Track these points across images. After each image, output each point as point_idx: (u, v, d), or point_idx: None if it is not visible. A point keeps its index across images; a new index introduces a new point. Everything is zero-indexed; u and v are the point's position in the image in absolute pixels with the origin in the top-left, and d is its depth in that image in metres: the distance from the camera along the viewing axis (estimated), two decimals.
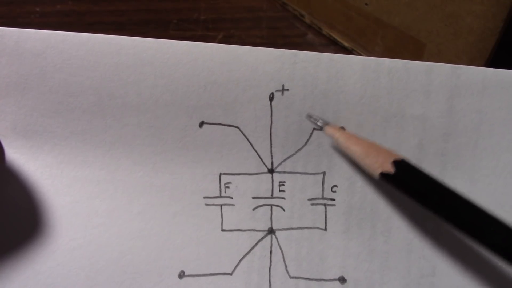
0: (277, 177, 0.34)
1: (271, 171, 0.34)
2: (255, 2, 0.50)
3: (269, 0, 0.50)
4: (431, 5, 0.38)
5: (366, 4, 0.43)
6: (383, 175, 0.31)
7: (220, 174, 0.34)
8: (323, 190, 0.34)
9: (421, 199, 0.30)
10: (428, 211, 0.30)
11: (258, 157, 0.34)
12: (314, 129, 0.34)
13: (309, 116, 0.34)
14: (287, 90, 0.33)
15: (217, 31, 0.48)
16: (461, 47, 0.38)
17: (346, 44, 0.48)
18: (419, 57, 0.42)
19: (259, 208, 0.34)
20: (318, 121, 0.34)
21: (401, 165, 0.30)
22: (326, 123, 0.33)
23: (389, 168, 0.30)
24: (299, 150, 0.34)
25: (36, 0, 0.47)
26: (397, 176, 0.30)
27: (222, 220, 0.34)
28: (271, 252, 0.34)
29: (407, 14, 0.40)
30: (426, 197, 0.30)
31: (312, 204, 0.34)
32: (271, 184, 0.34)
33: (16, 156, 0.33)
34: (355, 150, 0.32)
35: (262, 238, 0.34)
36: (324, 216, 0.34)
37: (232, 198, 0.34)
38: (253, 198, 0.34)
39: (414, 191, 0.30)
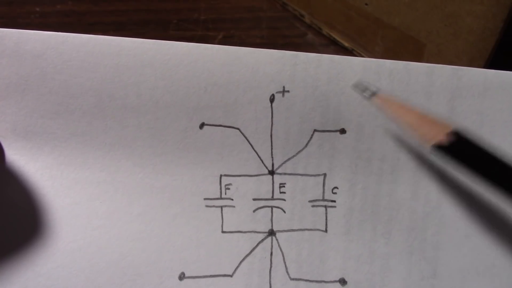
0: (278, 179, 0.34)
1: (271, 172, 0.34)
2: (255, 2, 0.50)
3: (269, 0, 0.50)
4: (431, 5, 0.38)
5: (366, 4, 0.43)
6: (437, 147, 0.29)
7: (221, 175, 0.34)
8: (323, 192, 0.34)
9: (477, 171, 0.28)
10: (482, 182, 0.28)
11: (258, 159, 0.34)
12: (314, 130, 0.34)
13: (355, 86, 0.33)
14: (288, 91, 0.33)
15: (217, 31, 0.48)
16: (461, 47, 0.38)
17: (346, 44, 0.48)
18: (419, 57, 0.42)
19: (259, 210, 0.34)
20: (365, 91, 0.33)
21: (457, 136, 0.29)
22: (374, 93, 0.32)
23: (443, 139, 0.29)
24: (299, 151, 0.34)
25: (36, 0, 0.47)
26: (452, 147, 0.29)
27: (222, 222, 0.34)
28: (271, 254, 0.34)
29: (407, 14, 0.40)
30: (482, 169, 0.28)
31: (313, 206, 0.34)
32: (271, 185, 0.34)
33: (16, 158, 0.33)
34: (407, 120, 0.31)
35: (262, 240, 0.34)
36: (324, 217, 0.34)
37: (232, 199, 0.34)
38: (254, 199, 0.34)
39: (469, 163, 0.29)
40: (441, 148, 0.29)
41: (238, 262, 0.34)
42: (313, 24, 0.49)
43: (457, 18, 0.37)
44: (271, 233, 0.34)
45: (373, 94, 0.33)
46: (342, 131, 0.34)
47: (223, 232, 0.34)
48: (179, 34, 0.47)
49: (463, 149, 0.29)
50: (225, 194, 0.34)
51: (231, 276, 0.34)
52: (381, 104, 0.32)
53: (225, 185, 0.34)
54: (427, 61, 0.41)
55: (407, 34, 0.41)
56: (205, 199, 0.34)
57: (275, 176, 0.34)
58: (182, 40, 0.43)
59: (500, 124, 0.34)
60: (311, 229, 0.34)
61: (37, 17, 0.46)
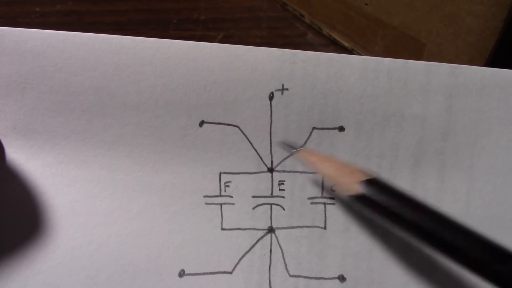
0: (277, 176, 0.34)
1: (270, 170, 0.34)
2: (255, 2, 0.50)
3: (269, 0, 0.50)
4: (431, 5, 0.38)
5: (366, 4, 0.43)
6: (354, 197, 0.31)
7: (220, 173, 0.34)
8: (322, 189, 0.34)
9: (390, 219, 0.30)
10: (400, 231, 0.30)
11: (258, 156, 0.34)
12: (313, 128, 0.34)
13: (282, 143, 0.34)
14: (287, 89, 0.34)
15: (217, 31, 0.48)
16: (461, 47, 0.38)
17: (346, 44, 0.48)
18: (419, 57, 0.42)
19: (259, 207, 0.34)
20: (291, 149, 0.34)
21: (369, 185, 0.30)
22: (298, 149, 0.34)
23: (357, 190, 0.30)
24: (298, 149, 0.34)
25: (36, 0, 0.47)
26: (366, 197, 0.30)
27: (222, 219, 0.34)
28: (271, 251, 0.34)
29: (407, 14, 0.40)
30: (394, 218, 0.30)
31: (312, 203, 0.34)
32: (270, 183, 0.34)
33: (16, 156, 0.33)
34: (327, 172, 0.32)
35: (262, 237, 0.34)
36: (323, 215, 0.34)
37: (232, 197, 0.34)
38: (253, 197, 0.34)
39: (382, 212, 0.30)
40: (357, 198, 0.31)
41: (238, 259, 0.34)
42: (313, 24, 0.49)
43: (457, 18, 0.37)
44: (271, 230, 0.34)
45: (298, 150, 0.34)
46: (341, 128, 0.34)
47: (222, 229, 0.34)
48: (179, 34, 0.47)
49: (374, 198, 0.30)
50: (225, 191, 0.34)
51: (230, 273, 0.34)
52: (304, 158, 0.33)
53: (225, 182, 0.34)
54: (427, 61, 0.41)
55: (407, 34, 0.41)
56: (204, 196, 0.34)
57: (274, 173, 0.34)
58: (182, 40, 0.43)
59: (497, 121, 0.34)
60: (310, 226, 0.34)
61: (37, 17, 0.46)
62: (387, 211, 0.30)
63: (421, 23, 0.40)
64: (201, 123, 0.34)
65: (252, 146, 0.34)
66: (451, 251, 0.28)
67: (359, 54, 0.47)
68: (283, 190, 0.34)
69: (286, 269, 0.34)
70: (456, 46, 0.38)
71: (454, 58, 0.39)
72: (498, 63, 0.37)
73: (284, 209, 0.34)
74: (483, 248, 0.27)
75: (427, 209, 0.29)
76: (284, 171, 0.34)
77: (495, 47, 0.37)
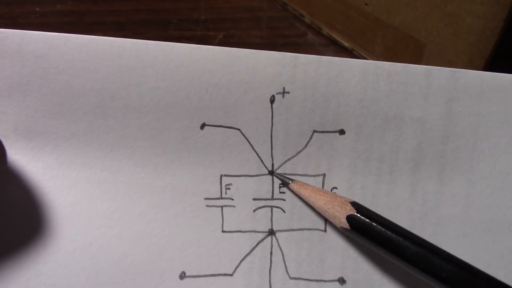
0: (278, 179, 0.34)
1: (271, 172, 0.34)
2: (255, 2, 0.50)
3: (269, 0, 0.51)
4: (431, 5, 0.38)
5: (366, 4, 0.43)
6: (344, 229, 0.32)
7: (221, 175, 0.34)
8: None
9: (380, 249, 0.31)
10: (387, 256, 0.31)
11: (258, 159, 0.34)
12: (314, 131, 0.34)
13: (278, 175, 0.35)
14: (288, 92, 0.34)
15: (217, 31, 0.48)
16: (461, 47, 0.38)
17: (346, 44, 0.48)
18: (419, 57, 0.42)
19: (259, 210, 0.35)
20: (283, 180, 0.35)
21: (354, 219, 0.32)
22: (290, 181, 0.34)
23: (345, 224, 0.32)
24: (299, 152, 0.34)
25: (36, 0, 0.47)
26: (353, 229, 0.32)
27: (222, 221, 0.34)
28: (271, 253, 0.35)
29: (407, 14, 0.40)
30: (382, 247, 0.31)
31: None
32: (271, 185, 0.34)
33: (17, 157, 0.34)
34: (317, 205, 0.33)
35: (262, 239, 0.35)
36: (324, 217, 0.34)
37: (232, 199, 0.34)
38: (254, 199, 0.35)
39: (371, 242, 0.32)
40: (348, 229, 0.32)
41: (238, 262, 0.34)
42: (313, 24, 0.49)
43: (457, 18, 0.37)
44: (271, 232, 0.35)
45: (290, 182, 0.34)
46: (341, 131, 0.34)
47: (223, 231, 0.34)
48: (179, 34, 0.47)
49: (362, 229, 0.32)
50: (226, 194, 0.34)
51: (231, 275, 0.34)
52: (297, 190, 0.34)
53: (226, 185, 0.34)
54: (427, 61, 0.41)
55: (407, 34, 0.41)
56: (205, 198, 0.34)
57: (275, 176, 0.34)
58: (182, 40, 0.43)
59: (496, 125, 0.34)
60: (310, 229, 0.35)
61: (37, 17, 0.46)
62: (373, 243, 0.31)
63: (421, 23, 0.40)
64: (203, 125, 0.34)
65: (253, 148, 0.34)
66: (433, 276, 0.30)
67: (359, 54, 0.47)
68: (284, 192, 0.35)
69: (287, 271, 0.34)
70: (456, 46, 0.38)
71: (454, 58, 0.39)
72: (498, 63, 0.37)
73: (284, 211, 0.35)
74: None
75: (413, 237, 0.31)
76: (284, 174, 0.34)
77: (495, 47, 0.37)
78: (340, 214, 0.32)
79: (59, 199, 0.34)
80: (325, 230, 0.34)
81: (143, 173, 0.34)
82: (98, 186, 0.34)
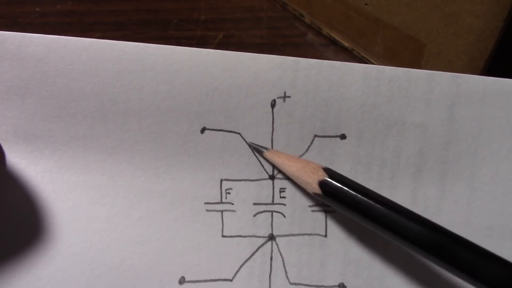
0: (278, 184, 0.34)
1: (272, 177, 0.34)
2: (255, 2, 0.50)
3: (269, 0, 0.50)
4: (431, 5, 0.38)
5: (366, 4, 0.43)
6: (317, 195, 0.32)
7: (221, 180, 0.34)
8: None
9: (352, 213, 0.31)
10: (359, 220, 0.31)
11: (259, 163, 0.34)
12: (315, 135, 0.34)
13: (251, 144, 0.34)
14: (289, 97, 0.34)
15: (217, 31, 0.48)
16: (461, 47, 0.38)
17: (346, 44, 0.48)
18: (419, 57, 0.42)
19: (259, 214, 0.34)
20: (258, 149, 0.34)
21: (326, 184, 0.32)
22: (264, 150, 0.34)
23: (317, 189, 0.32)
24: (300, 156, 0.34)
25: (36, 0, 0.47)
26: (326, 195, 0.32)
27: (222, 226, 0.34)
28: (271, 259, 0.34)
29: (407, 14, 0.40)
30: (355, 211, 0.31)
31: (313, 211, 0.34)
32: (272, 190, 0.34)
33: (17, 161, 0.33)
34: (291, 171, 0.33)
35: (262, 244, 0.34)
36: (324, 222, 0.34)
37: (233, 204, 0.34)
38: (254, 204, 0.34)
39: (343, 207, 0.32)
40: (319, 196, 0.32)
41: (238, 267, 0.34)
42: (313, 24, 0.49)
43: (457, 18, 0.37)
44: (271, 237, 0.34)
45: (264, 150, 0.34)
46: (342, 136, 0.34)
47: (223, 236, 0.34)
48: (179, 34, 0.47)
49: (334, 194, 0.31)
50: (226, 198, 0.34)
51: (231, 280, 0.34)
52: (270, 158, 0.34)
53: (226, 189, 0.34)
54: (427, 61, 0.41)
55: (407, 34, 0.41)
56: (205, 203, 0.34)
57: (275, 181, 0.34)
58: (182, 40, 0.43)
59: (498, 130, 0.34)
60: (311, 234, 0.34)
61: (37, 17, 0.46)
62: (345, 207, 0.31)
63: (421, 23, 0.40)
64: (203, 129, 0.34)
65: (254, 153, 0.34)
66: (407, 239, 0.29)
67: (359, 54, 0.47)
68: (284, 197, 0.34)
69: (287, 276, 0.34)
70: (456, 46, 0.38)
71: (454, 58, 0.39)
72: (499, 63, 0.37)
73: (285, 216, 0.34)
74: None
75: (385, 201, 0.31)
76: (285, 179, 0.34)
77: (495, 47, 0.37)
78: (313, 180, 0.32)
79: (58, 203, 0.34)
80: (325, 235, 0.34)
81: (143, 177, 0.34)
82: (97, 190, 0.34)
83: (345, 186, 0.31)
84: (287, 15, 0.50)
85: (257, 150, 0.34)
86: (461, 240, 0.29)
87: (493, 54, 0.38)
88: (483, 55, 0.37)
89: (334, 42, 0.48)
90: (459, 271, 0.28)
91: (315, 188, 0.32)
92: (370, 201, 0.30)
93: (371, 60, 0.46)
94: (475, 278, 0.28)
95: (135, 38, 0.45)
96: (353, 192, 0.31)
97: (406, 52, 0.42)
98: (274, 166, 0.34)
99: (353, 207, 0.31)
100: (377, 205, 0.30)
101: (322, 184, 0.31)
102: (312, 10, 0.48)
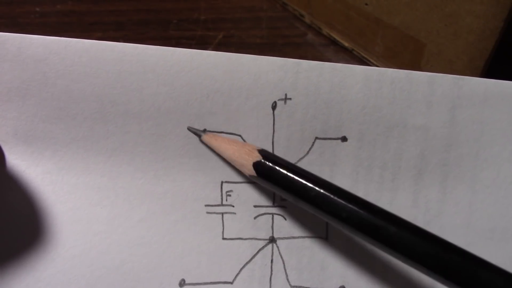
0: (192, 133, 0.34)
1: None
2: (255, 2, 0.50)
3: (269, 0, 0.50)
4: (431, 5, 0.38)
5: (366, 4, 0.43)
6: (253, 177, 0.32)
7: (222, 182, 0.34)
8: None
9: (285, 193, 0.31)
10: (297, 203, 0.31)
11: None
12: (316, 138, 0.34)
13: (189, 128, 0.34)
14: (290, 99, 0.33)
15: (217, 31, 0.48)
16: (461, 47, 0.38)
17: (346, 44, 0.48)
18: (419, 57, 0.42)
19: (260, 217, 0.34)
20: (195, 133, 0.34)
21: (260, 165, 0.32)
22: (202, 133, 0.34)
23: (253, 171, 0.32)
24: (301, 159, 0.34)
25: (36, 0, 0.47)
26: (260, 176, 0.32)
27: (223, 229, 0.34)
28: (272, 261, 0.34)
29: (407, 14, 0.40)
30: (287, 191, 0.31)
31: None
32: (272, 192, 0.34)
33: (17, 162, 0.33)
34: (227, 154, 0.33)
35: (263, 247, 0.34)
36: (325, 225, 0.34)
37: (233, 206, 0.34)
38: (255, 206, 0.34)
39: (277, 187, 0.31)
40: (255, 177, 0.32)
41: (239, 269, 0.34)
42: (313, 24, 0.49)
43: (457, 18, 0.37)
44: (272, 240, 0.34)
45: (202, 134, 0.34)
46: (344, 138, 0.34)
47: (223, 239, 0.34)
48: (179, 34, 0.47)
49: (268, 175, 0.32)
50: (226, 200, 0.34)
51: (231, 283, 0.34)
52: (208, 142, 0.34)
53: (226, 191, 0.34)
54: (427, 61, 0.41)
55: (407, 34, 0.41)
56: (206, 205, 0.34)
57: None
58: (182, 40, 0.43)
59: (500, 133, 0.34)
60: (311, 237, 0.34)
61: (37, 17, 0.46)
62: (279, 188, 0.31)
63: (421, 23, 0.40)
64: (204, 131, 0.34)
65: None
66: (335, 216, 0.29)
67: (359, 54, 0.47)
68: (285, 200, 0.34)
69: (287, 279, 0.34)
70: (456, 46, 0.38)
71: (454, 58, 0.39)
72: (499, 63, 0.37)
73: (285, 219, 0.34)
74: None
75: (318, 180, 0.30)
76: None
77: (495, 47, 0.37)
78: (248, 162, 0.32)
79: (58, 205, 0.34)
80: (326, 238, 0.34)
81: (143, 179, 0.34)
82: (97, 192, 0.34)
83: (278, 167, 0.31)
84: (287, 15, 0.50)
85: (195, 134, 0.34)
86: (395, 217, 0.29)
87: (493, 54, 0.38)
88: (483, 55, 0.37)
89: (334, 42, 0.48)
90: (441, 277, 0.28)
91: (250, 170, 0.32)
92: (302, 180, 0.30)
93: (371, 60, 0.46)
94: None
95: (135, 38, 0.45)
96: (286, 172, 0.31)
97: (406, 52, 0.42)
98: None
99: (286, 187, 0.31)
100: (310, 185, 0.30)
101: (257, 165, 0.32)
102: (312, 10, 0.48)
